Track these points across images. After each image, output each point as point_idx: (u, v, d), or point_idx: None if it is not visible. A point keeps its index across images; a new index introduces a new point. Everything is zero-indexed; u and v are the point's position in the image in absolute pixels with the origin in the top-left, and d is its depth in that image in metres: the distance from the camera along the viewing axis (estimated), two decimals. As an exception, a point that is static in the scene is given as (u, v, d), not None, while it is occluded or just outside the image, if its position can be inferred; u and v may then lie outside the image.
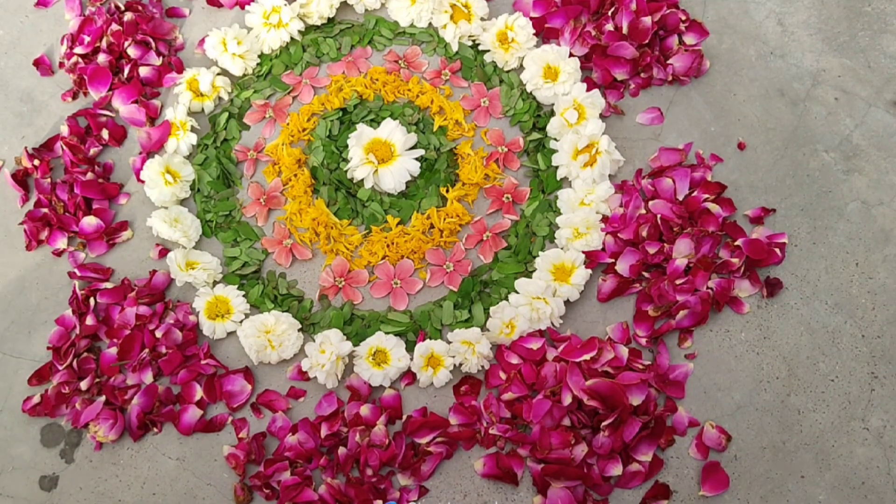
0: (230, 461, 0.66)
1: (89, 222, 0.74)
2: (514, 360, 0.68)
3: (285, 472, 0.65)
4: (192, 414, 0.68)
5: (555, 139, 0.78)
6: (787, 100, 0.81)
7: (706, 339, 0.71)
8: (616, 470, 0.64)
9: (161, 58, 0.82)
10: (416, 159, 0.76)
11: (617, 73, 0.80)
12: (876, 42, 0.83)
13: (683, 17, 0.82)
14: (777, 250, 0.73)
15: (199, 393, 0.68)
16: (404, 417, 0.68)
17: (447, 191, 0.77)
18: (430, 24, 0.85)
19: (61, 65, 0.83)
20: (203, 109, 0.81)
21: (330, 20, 0.85)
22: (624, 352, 0.68)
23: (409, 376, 0.70)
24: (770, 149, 0.78)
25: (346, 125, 0.80)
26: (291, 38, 0.84)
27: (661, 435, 0.66)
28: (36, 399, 0.69)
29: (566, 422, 0.66)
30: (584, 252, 0.72)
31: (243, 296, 0.72)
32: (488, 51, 0.82)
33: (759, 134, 0.79)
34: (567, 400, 0.65)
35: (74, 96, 0.82)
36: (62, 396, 0.68)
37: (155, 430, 0.68)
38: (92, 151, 0.78)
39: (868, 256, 0.74)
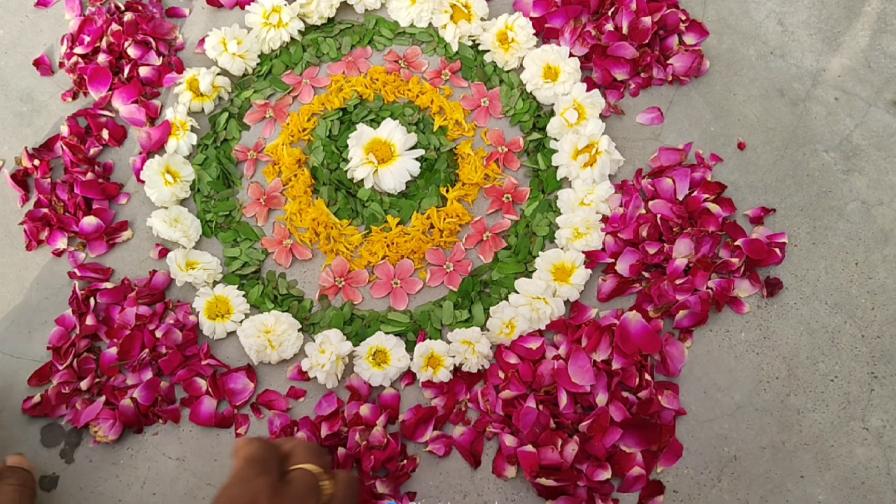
0: None
1: (89, 222, 0.74)
2: (513, 359, 0.68)
3: None
4: (209, 404, 0.68)
5: (555, 139, 0.78)
6: (787, 100, 0.81)
7: (706, 339, 0.71)
8: (605, 475, 0.64)
9: (161, 58, 0.82)
10: (416, 159, 0.76)
11: (617, 73, 0.80)
12: (876, 42, 0.83)
13: (683, 17, 0.82)
14: (777, 250, 0.73)
15: (203, 384, 0.68)
16: (400, 418, 0.68)
17: (447, 191, 0.76)
18: (430, 24, 0.85)
19: (61, 65, 0.83)
20: (203, 109, 0.81)
21: (330, 20, 0.85)
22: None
23: (409, 376, 0.70)
24: (770, 149, 0.78)
25: (346, 125, 0.80)
26: (291, 38, 0.84)
27: (659, 439, 0.66)
28: (36, 399, 0.69)
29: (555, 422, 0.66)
30: (584, 252, 0.72)
31: (243, 296, 0.73)
32: (488, 51, 0.82)
33: (759, 134, 0.79)
34: (563, 401, 0.65)
35: (74, 96, 0.82)
36: (62, 396, 0.68)
37: (160, 421, 0.68)
38: (92, 151, 0.78)
39: (868, 256, 0.74)
